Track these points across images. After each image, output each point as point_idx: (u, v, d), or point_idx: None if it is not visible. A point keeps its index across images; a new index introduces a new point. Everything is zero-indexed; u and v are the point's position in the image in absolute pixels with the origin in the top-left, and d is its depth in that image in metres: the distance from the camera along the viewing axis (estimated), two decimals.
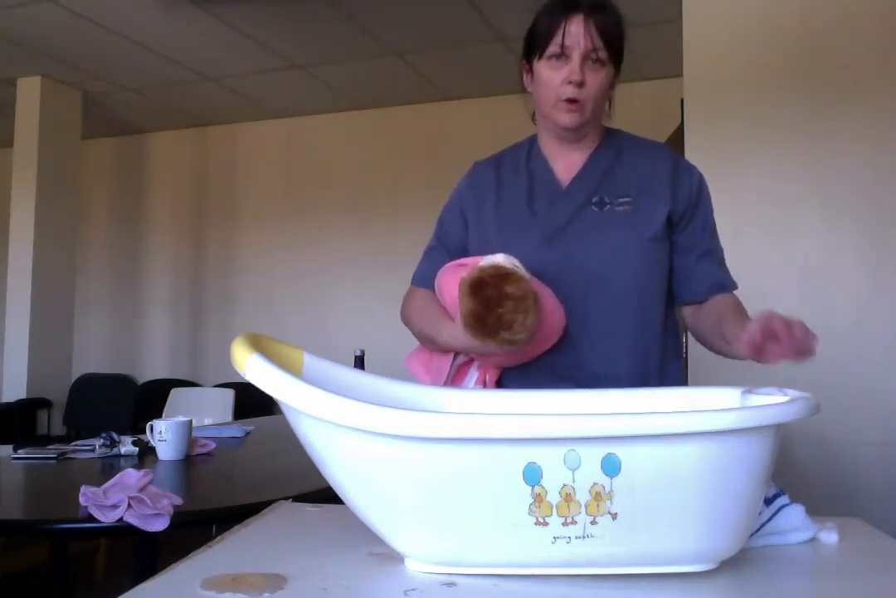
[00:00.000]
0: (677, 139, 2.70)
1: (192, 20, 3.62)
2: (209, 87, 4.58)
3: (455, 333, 1.09)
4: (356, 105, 4.88)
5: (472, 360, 1.18)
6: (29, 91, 4.47)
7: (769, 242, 2.39)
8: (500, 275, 0.99)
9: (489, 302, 0.98)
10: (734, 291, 1.24)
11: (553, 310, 1.10)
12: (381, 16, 3.58)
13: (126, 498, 1.31)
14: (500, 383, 1.17)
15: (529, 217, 1.19)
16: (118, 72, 4.35)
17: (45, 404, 4.52)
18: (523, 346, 1.07)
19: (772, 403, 0.77)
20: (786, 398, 0.79)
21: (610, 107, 1.21)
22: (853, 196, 2.34)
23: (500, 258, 1.03)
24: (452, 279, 1.11)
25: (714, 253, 1.22)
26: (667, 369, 1.18)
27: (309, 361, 0.92)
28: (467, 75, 4.30)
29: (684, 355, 2.49)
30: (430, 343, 1.19)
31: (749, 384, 0.92)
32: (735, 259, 2.52)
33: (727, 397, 0.93)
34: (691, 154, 2.46)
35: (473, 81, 4.38)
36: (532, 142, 1.26)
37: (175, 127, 5.38)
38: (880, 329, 2.29)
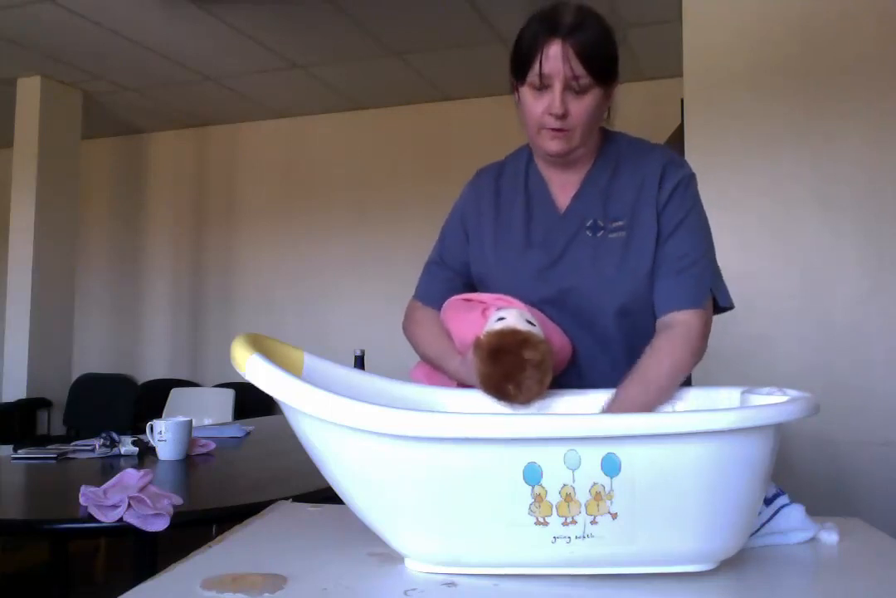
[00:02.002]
0: (677, 139, 2.70)
1: (192, 20, 3.62)
2: (209, 87, 4.58)
3: (462, 370, 1.08)
4: (356, 105, 4.88)
5: None
6: (29, 91, 4.47)
7: (769, 241, 2.39)
8: (519, 341, 0.96)
9: (508, 369, 0.96)
10: (693, 309, 1.08)
11: (561, 346, 1.08)
12: (381, 16, 3.57)
13: (126, 498, 1.31)
14: None
15: (525, 246, 1.15)
16: (118, 72, 4.35)
17: (45, 404, 4.52)
18: None
19: (772, 403, 0.77)
20: (785, 398, 0.79)
21: (609, 116, 1.16)
22: (853, 196, 2.34)
23: (514, 317, 0.98)
24: (460, 321, 1.10)
25: (677, 262, 1.10)
26: None
27: (309, 361, 0.92)
28: (467, 75, 4.30)
29: None
30: (437, 369, 1.18)
31: (749, 384, 0.92)
32: (735, 259, 2.51)
33: (727, 397, 0.93)
34: (691, 154, 2.46)
35: (473, 81, 4.38)
36: (531, 153, 1.22)
37: (175, 127, 5.38)
38: (880, 329, 2.29)
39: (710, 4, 2.50)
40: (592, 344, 1.12)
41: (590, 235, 1.13)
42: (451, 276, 1.23)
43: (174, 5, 3.45)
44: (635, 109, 4.02)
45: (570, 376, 1.11)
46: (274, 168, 5.16)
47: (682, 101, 2.56)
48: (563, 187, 1.17)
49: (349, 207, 4.92)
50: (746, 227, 2.39)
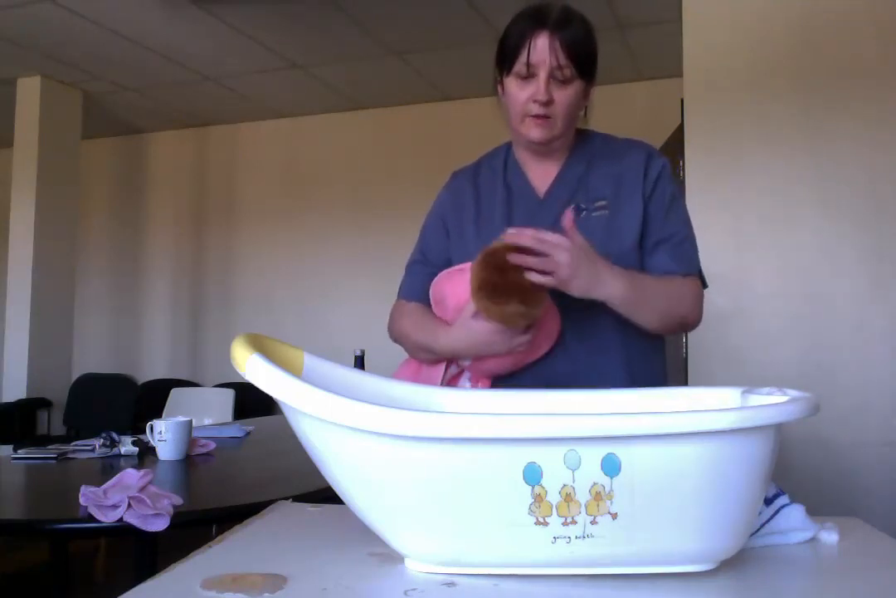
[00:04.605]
0: (677, 139, 2.70)
1: (192, 20, 3.62)
2: (209, 87, 4.58)
3: (454, 333, 1.09)
4: (356, 105, 4.88)
5: (462, 372, 1.18)
6: (29, 91, 4.47)
7: (769, 241, 2.39)
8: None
9: (504, 269, 0.97)
10: (690, 276, 1.17)
11: (550, 312, 1.10)
12: (381, 16, 3.58)
13: (126, 498, 1.31)
14: None
15: None
16: (118, 72, 4.35)
17: (45, 404, 4.52)
18: (517, 351, 1.07)
19: (772, 403, 0.77)
20: (786, 398, 0.79)
21: (585, 115, 1.21)
22: (853, 196, 2.34)
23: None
24: (456, 284, 1.11)
25: (670, 239, 1.17)
26: (654, 372, 1.18)
27: (309, 361, 0.92)
28: (467, 75, 4.30)
29: (684, 355, 2.50)
30: (425, 353, 1.18)
31: (749, 384, 0.92)
32: (735, 259, 2.51)
33: (727, 397, 0.93)
34: (691, 154, 2.47)
35: (473, 81, 4.37)
36: (508, 149, 1.27)
37: (175, 127, 5.38)
38: (880, 329, 2.29)
39: (710, 4, 2.50)
40: (583, 330, 1.14)
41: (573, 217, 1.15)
42: (436, 272, 1.24)
43: (174, 5, 3.45)
44: (635, 108, 4.02)
45: (556, 356, 1.13)
46: (274, 168, 5.16)
47: (682, 101, 2.56)
48: (541, 176, 1.22)
49: (349, 207, 4.92)
50: (746, 226, 2.39)
